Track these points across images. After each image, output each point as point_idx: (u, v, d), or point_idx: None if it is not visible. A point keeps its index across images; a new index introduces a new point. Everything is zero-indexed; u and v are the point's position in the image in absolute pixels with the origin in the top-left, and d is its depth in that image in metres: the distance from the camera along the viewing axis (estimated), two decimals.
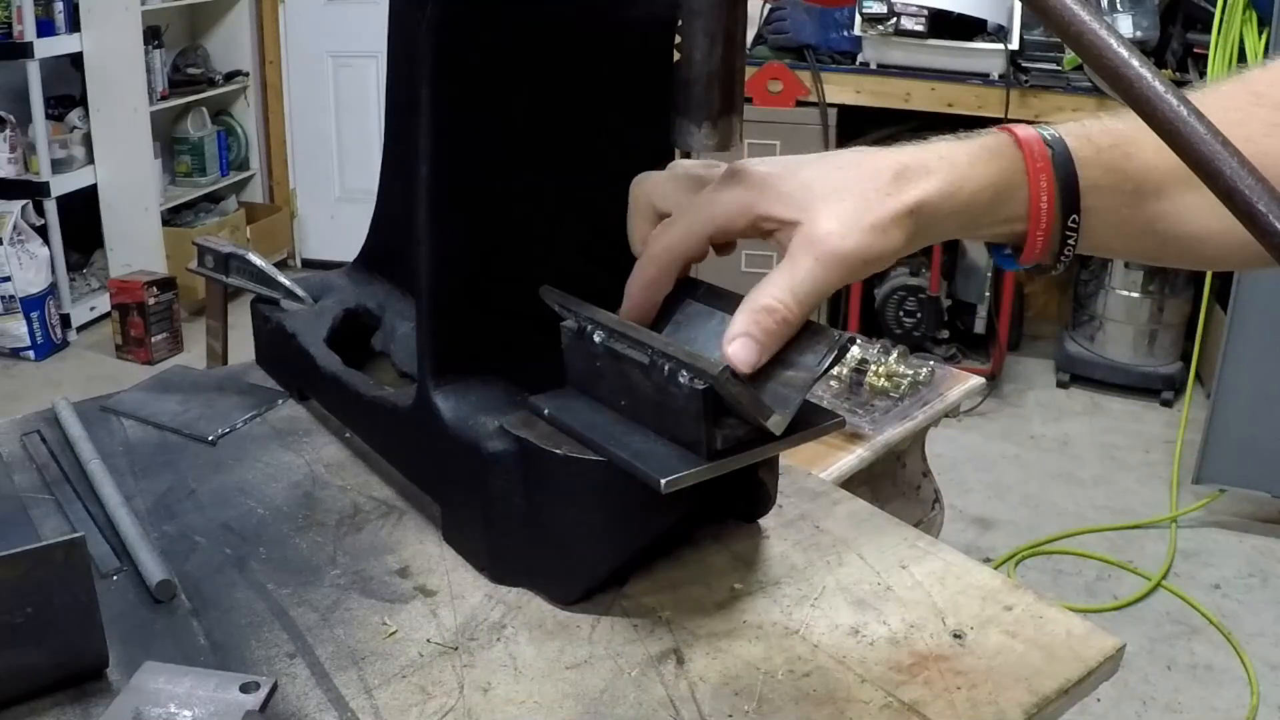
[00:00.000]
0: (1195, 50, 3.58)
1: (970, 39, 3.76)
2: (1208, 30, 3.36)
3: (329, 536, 0.88)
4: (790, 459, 0.92)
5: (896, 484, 2.01)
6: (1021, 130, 0.71)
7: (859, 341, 2.08)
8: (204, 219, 4.82)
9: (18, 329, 4.06)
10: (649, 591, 0.82)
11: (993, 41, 3.73)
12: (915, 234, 0.67)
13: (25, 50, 3.95)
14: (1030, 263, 0.72)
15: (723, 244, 0.74)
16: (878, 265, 0.67)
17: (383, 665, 0.74)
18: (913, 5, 3.71)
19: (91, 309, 4.42)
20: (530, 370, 0.84)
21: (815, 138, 3.86)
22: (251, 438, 1.03)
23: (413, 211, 0.83)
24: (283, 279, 1.14)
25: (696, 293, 0.84)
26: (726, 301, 0.81)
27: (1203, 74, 3.41)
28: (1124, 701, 2.48)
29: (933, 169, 0.68)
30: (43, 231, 4.13)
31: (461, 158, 0.82)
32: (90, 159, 4.37)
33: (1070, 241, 0.71)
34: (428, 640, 0.76)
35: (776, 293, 0.66)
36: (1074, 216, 0.69)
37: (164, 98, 4.56)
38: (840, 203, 0.66)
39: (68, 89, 4.39)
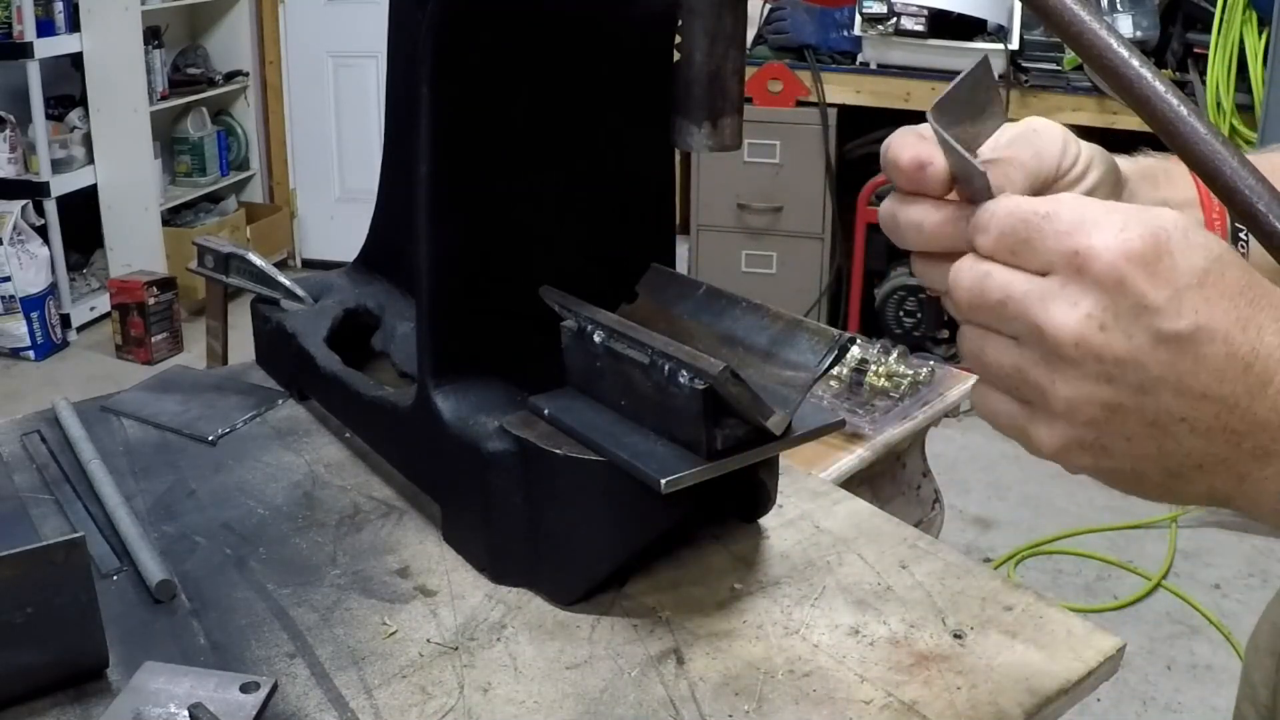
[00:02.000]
0: (1195, 50, 3.58)
1: (970, 39, 3.76)
2: (1208, 30, 3.36)
3: (329, 536, 0.88)
4: (790, 459, 0.92)
5: (896, 484, 2.01)
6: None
7: (859, 341, 2.07)
8: (204, 219, 4.82)
9: (18, 329, 4.05)
10: (649, 591, 0.82)
11: (993, 41, 3.72)
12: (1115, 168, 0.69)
13: (25, 50, 3.95)
14: None
15: None
16: (1085, 152, 0.67)
17: (383, 665, 0.74)
18: (913, 5, 3.71)
19: (91, 309, 4.42)
20: (530, 370, 0.84)
21: (815, 138, 3.86)
22: (251, 438, 1.03)
23: (413, 211, 0.83)
24: (283, 279, 1.14)
25: (696, 293, 0.84)
26: (727, 301, 0.81)
27: (1203, 74, 3.40)
28: (1124, 701, 2.48)
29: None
30: (43, 231, 4.12)
31: (461, 158, 0.82)
32: (90, 159, 4.36)
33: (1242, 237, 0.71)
34: (428, 640, 0.76)
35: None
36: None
37: (164, 98, 4.56)
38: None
39: (68, 89, 4.38)
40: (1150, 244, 0.47)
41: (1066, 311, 0.48)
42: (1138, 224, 0.48)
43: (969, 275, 0.53)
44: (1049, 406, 0.50)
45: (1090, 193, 0.65)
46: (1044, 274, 0.50)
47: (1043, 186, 0.62)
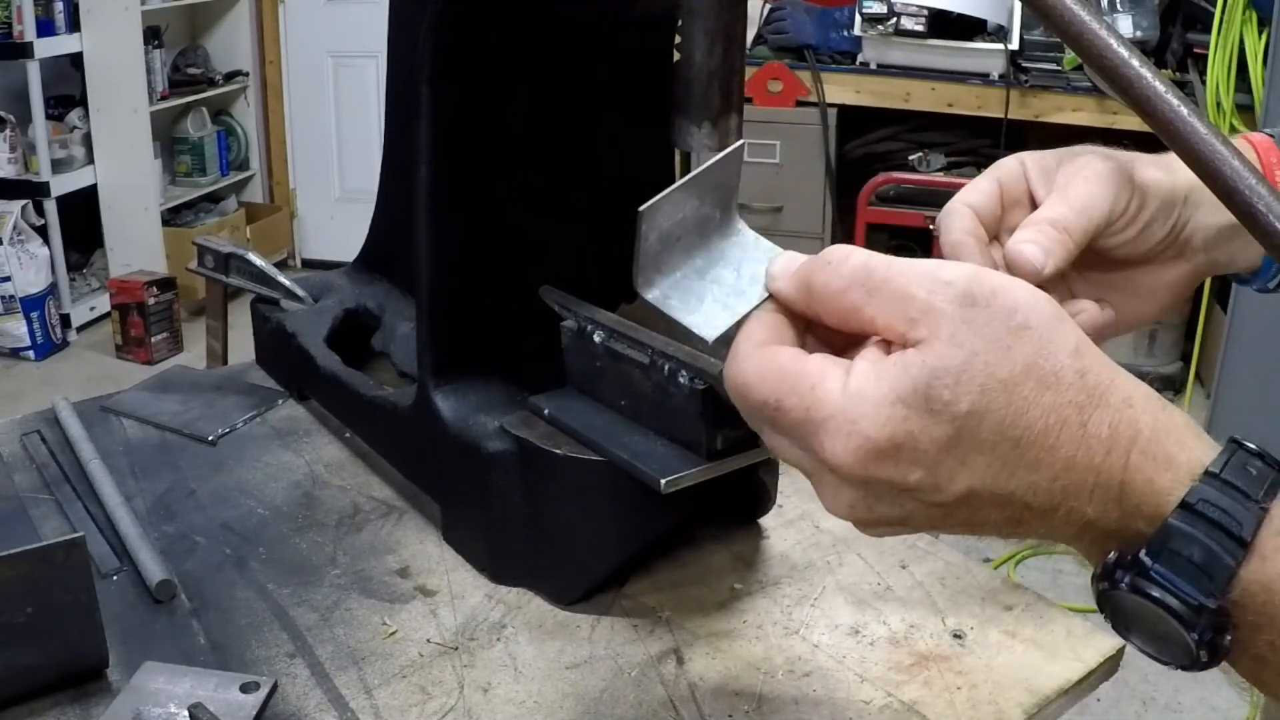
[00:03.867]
0: (1195, 50, 3.57)
1: (970, 39, 3.76)
2: (1208, 30, 3.36)
3: (329, 536, 0.88)
4: None
5: None
6: (1249, 135, 0.72)
7: None
8: (204, 219, 4.81)
9: (18, 329, 4.05)
10: (649, 591, 0.82)
11: (993, 41, 3.72)
12: (1182, 186, 0.66)
13: (25, 50, 3.94)
14: None
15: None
16: (1139, 191, 0.65)
17: (383, 665, 0.74)
18: (913, 5, 3.70)
19: (91, 309, 4.42)
20: (530, 370, 0.84)
21: (815, 138, 3.86)
22: (251, 438, 1.03)
23: (413, 211, 0.83)
24: (283, 279, 1.14)
25: None
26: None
27: (1203, 74, 3.40)
28: (1124, 701, 2.48)
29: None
30: (43, 231, 4.12)
31: (461, 158, 0.82)
32: (90, 159, 4.36)
33: None
34: (428, 640, 0.76)
35: (1056, 209, 0.64)
36: None
37: (164, 98, 4.55)
38: (1094, 146, 0.67)
39: (68, 89, 4.38)
40: (886, 435, 0.45)
41: (833, 496, 0.48)
42: (872, 409, 0.45)
43: (753, 417, 0.51)
44: (840, 514, 0.50)
45: (1148, 228, 0.65)
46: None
47: (1092, 239, 0.63)
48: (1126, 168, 0.65)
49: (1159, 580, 0.44)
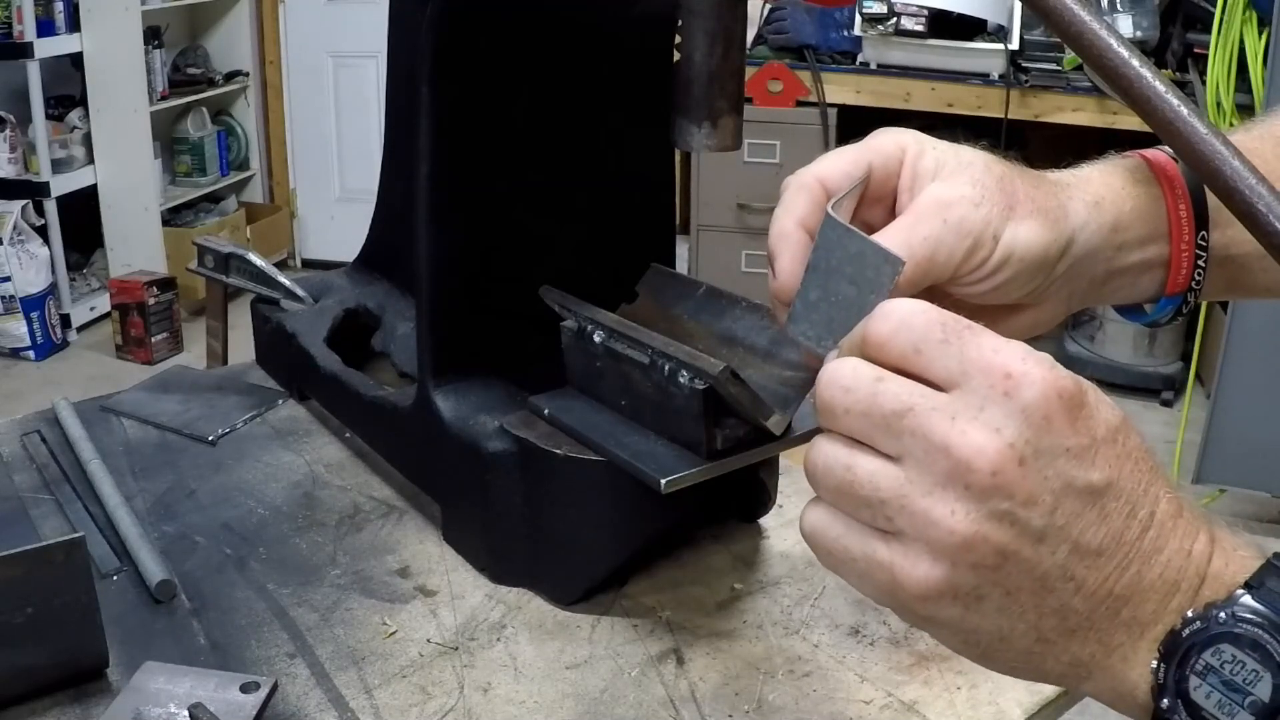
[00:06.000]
0: (1195, 50, 3.57)
1: (970, 39, 3.76)
2: (1208, 30, 3.36)
3: (329, 536, 0.88)
4: (790, 459, 0.92)
5: None
6: (1145, 151, 0.65)
7: None
8: (204, 219, 4.81)
9: (18, 329, 4.05)
10: (649, 591, 0.82)
11: (993, 41, 3.72)
12: (1062, 241, 0.60)
13: (25, 50, 3.95)
14: (1175, 292, 0.65)
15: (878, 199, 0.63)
16: (1002, 250, 0.58)
17: (383, 665, 0.74)
18: (913, 5, 3.70)
19: (91, 309, 4.42)
20: (530, 370, 0.84)
21: (815, 138, 3.86)
22: (251, 438, 1.03)
23: (412, 211, 0.83)
24: (283, 279, 1.14)
25: (696, 293, 0.84)
26: (727, 301, 0.81)
27: (1203, 74, 3.40)
28: None
29: (1072, 182, 0.63)
30: (43, 231, 4.12)
31: (461, 157, 0.82)
32: (90, 159, 4.36)
33: (1200, 265, 0.64)
34: (428, 640, 0.76)
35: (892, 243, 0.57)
36: (1204, 233, 0.64)
37: (164, 98, 4.55)
38: (980, 172, 0.60)
39: (68, 89, 4.38)
40: (1075, 389, 0.45)
41: (987, 436, 0.44)
42: (1062, 369, 0.46)
43: (850, 376, 0.47)
44: (933, 541, 0.45)
45: (1001, 288, 0.59)
46: (946, 389, 0.45)
47: (933, 284, 0.57)
48: (997, 221, 0.58)
49: (1265, 604, 0.45)
